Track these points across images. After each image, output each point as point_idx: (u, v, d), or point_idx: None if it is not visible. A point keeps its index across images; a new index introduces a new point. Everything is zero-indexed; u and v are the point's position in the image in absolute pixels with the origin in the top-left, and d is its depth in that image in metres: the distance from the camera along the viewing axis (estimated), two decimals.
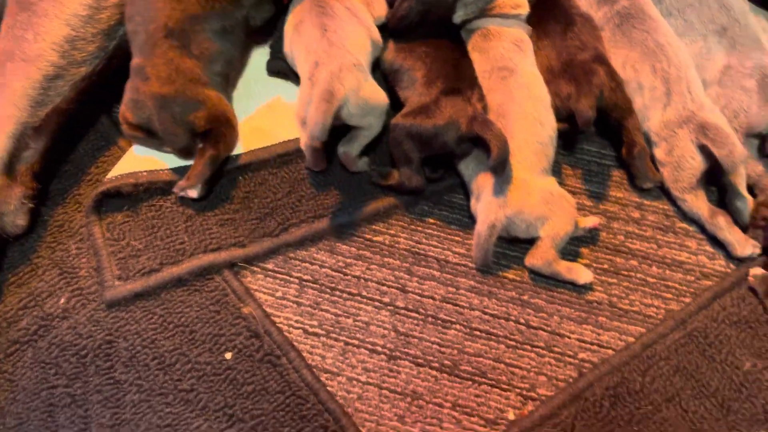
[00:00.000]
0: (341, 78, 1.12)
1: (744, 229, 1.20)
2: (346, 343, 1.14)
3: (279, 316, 1.14)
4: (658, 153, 1.24)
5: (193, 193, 1.18)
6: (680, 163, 1.20)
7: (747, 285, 1.15)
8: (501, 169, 1.13)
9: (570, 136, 1.29)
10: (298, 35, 1.23)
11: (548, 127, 1.20)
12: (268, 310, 1.15)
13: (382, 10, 1.27)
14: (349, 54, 1.15)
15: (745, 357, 1.10)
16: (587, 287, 1.17)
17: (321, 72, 1.15)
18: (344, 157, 1.22)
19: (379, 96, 1.18)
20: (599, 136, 1.34)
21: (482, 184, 1.18)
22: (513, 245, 1.21)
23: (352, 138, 1.21)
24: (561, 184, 1.27)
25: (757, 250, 1.18)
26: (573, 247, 1.22)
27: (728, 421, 1.05)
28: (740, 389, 1.08)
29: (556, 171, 1.29)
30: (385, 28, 1.29)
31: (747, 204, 1.19)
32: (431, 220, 1.25)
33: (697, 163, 1.19)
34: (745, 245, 1.18)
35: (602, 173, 1.30)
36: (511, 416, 1.08)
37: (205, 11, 1.17)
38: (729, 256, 1.20)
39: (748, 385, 1.08)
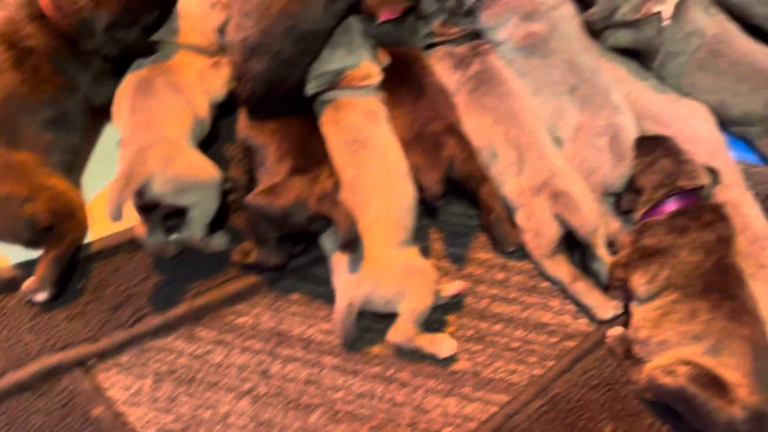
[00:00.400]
0: (144, 157, 1.10)
1: (605, 289, 1.22)
2: None
3: (132, 415, 1.10)
4: (519, 218, 1.24)
5: (41, 297, 1.13)
6: (539, 230, 1.20)
7: (607, 345, 1.17)
8: (350, 248, 1.12)
9: (430, 204, 1.29)
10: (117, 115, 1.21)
11: (405, 197, 1.19)
12: (121, 408, 1.10)
13: (219, 85, 1.25)
14: (153, 132, 1.12)
15: (604, 421, 1.11)
16: (452, 358, 1.16)
17: (124, 152, 1.13)
18: (190, 243, 1.19)
19: (197, 171, 1.15)
20: (464, 198, 1.34)
21: (339, 260, 1.16)
22: (379, 318, 1.19)
23: (186, 222, 1.17)
24: (426, 248, 1.27)
25: (619, 311, 1.18)
26: (438, 314, 1.20)
27: None
28: None
29: (421, 235, 1.28)
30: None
31: (604, 266, 1.20)
32: (295, 297, 1.22)
33: (554, 231, 1.19)
34: (606, 308, 1.18)
35: (468, 234, 1.30)
36: None
37: (31, 101, 1.12)
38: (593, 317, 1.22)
39: None
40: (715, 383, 1.01)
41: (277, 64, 1.17)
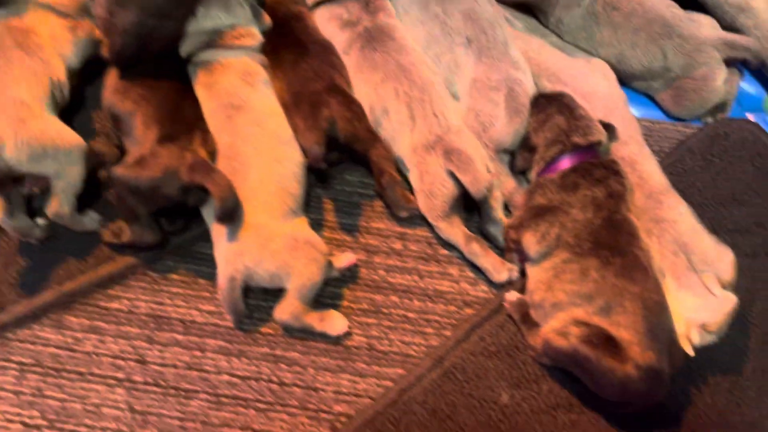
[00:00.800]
0: None
1: (501, 253, 1.17)
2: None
3: None
4: (412, 179, 1.18)
5: None
6: (432, 189, 1.14)
7: (505, 311, 1.12)
8: (229, 219, 1.04)
9: (320, 171, 1.22)
10: None
11: (289, 163, 1.11)
12: None
13: (73, 50, 1.15)
14: (1, 93, 1.03)
15: (502, 389, 1.06)
16: (345, 333, 1.09)
17: None
18: (58, 219, 1.09)
19: (56, 136, 1.05)
20: (359, 164, 1.27)
21: (218, 232, 1.08)
22: (269, 295, 1.12)
23: (51, 195, 1.07)
24: (320, 219, 1.21)
25: (515, 274, 1.14)
26: (330, 288, 1.14)
27: None
28: (497, 425, 1.04)
29: (315, 206, 1.22)
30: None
31: (501, 229, 1.16)
32: (176, 277, 1.14)
33: (448, 190, 1.14)
34: (502, 270, 1.14)
35: (363, 204, 1.23)
36: None
37: None
38: (491, 281, 1.17)
39: (505, 419, 1.04)
40: (607, 343, 0.97)
41: (147, 15, 1.07)
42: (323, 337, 1.09)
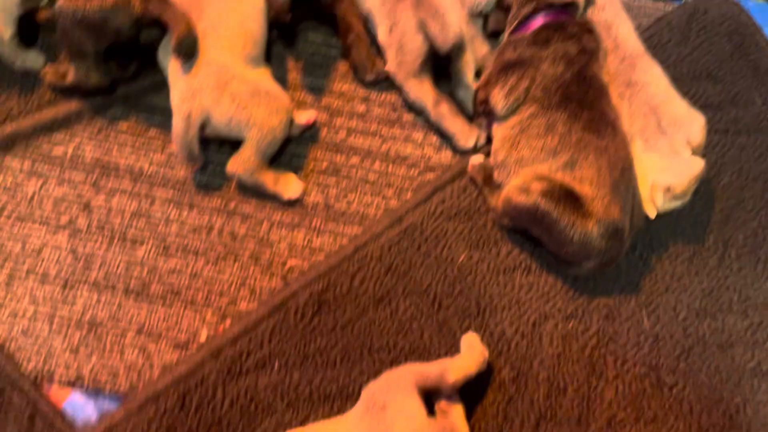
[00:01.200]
0: None
1: (470, 119, 1.13)
2: (12, 274, 0.97)
3: None
4: (380, 34, 1.11)
5: None
6: (402, 43, 1.08)
7: (468, 175, 1.09)
8: (185, 54, 0.97)
9: (284, 26, 1.15)
10: None
11: (250, 4, 1.05)
12: None
13: None
14: None
15: (461, 249, 1.04)
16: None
17: None
18: None
19: None
20: (324, 23, 1.20)
21: (175, 70, 1.02)
22: (221, 150, 1.07)
23: None
24: (282, 77, 1.14)
25: (482, 140, 1.10)
26: (290, 147, 1.09)
27: (438, 318, 0.99)
28: (454, 284, 1.02)
29: (277, 64, 1.15)
30: None
31: (470, 93, 1.11)
32: (125, 126, 1.08)
33: (418, 44, 1.08)
34: (469, 135, 1.10)
35: (327, 65, 1.17)
36: (203, 337, 0.97)
37: None
38: (456, 149, 1.13)
39: (462, 279, 1.02)
40: (569, 198, 0.94)
41: None
42: (276, 199, 1.06)
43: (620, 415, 0.95)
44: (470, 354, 0.91)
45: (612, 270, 1.03)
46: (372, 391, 0.83)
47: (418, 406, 0.82)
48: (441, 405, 0.88)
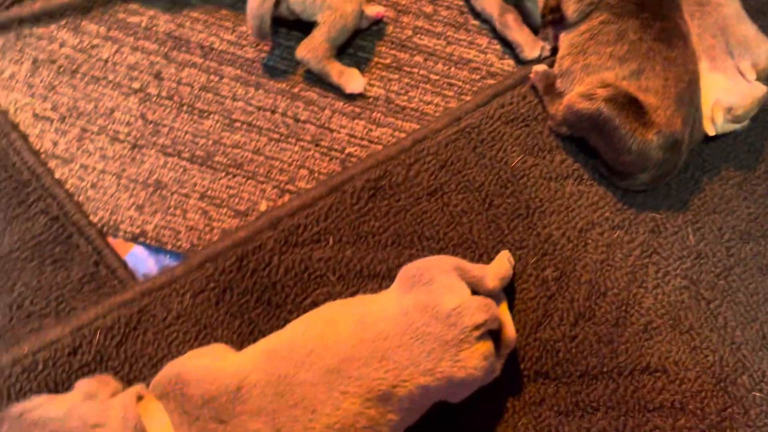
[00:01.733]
0: None
1: (536, 32, 1.13)
2: (84, 130, 1.01)
3: (5, 98, 1.00)
4: None
5: None
6: None
7: (529, 82, 1.10)
8: None
9: None
10: None
11: None
12: None
13: None
14: None
15: (515, 154, 1.06)
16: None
17: None
18: None
19: None
20: None
21: None
22: (291, 35, 1.09)
23: None
24: None
25: (546, 52, 1.11)
26: (356, 41, 1.11)
27: (488, 215, 1.02)
28: (506, 185, 1.04)
29: None
30: None
31: (537, 4, 1.11)
32: (198, 3, 1.10)
33: None
34: (533, 47, 1.10)
35: None
36: (263, 207, 1.01)
37: None
38: (519, 59, 1.14)
39: (514, 181, 1.04)
40: (632, 106, 0.96)
41: None
42: (338, 91, 1.08)
43: (656, 322, 0.98)
44: (501, 266, 0.94)
45: (662, 186, 1.05)
46: (414, 269, 0.85)
47: (463, 284, 0.85)
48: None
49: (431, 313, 0.80)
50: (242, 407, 0.74)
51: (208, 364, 0.78)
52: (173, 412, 0.73)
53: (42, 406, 0.74)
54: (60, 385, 0.85)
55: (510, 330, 0.88)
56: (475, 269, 0.90)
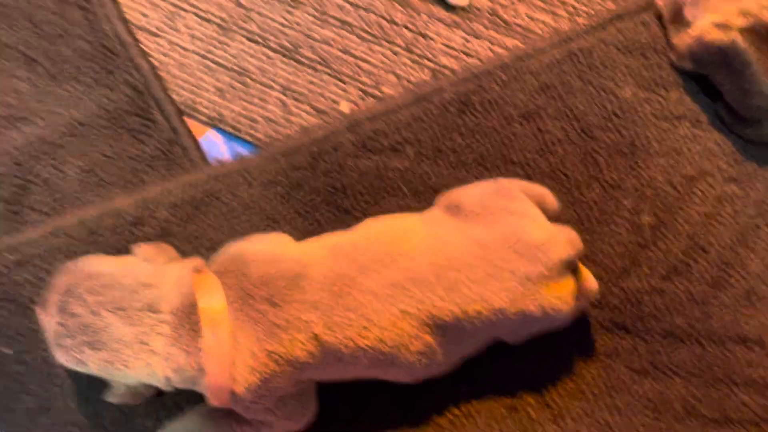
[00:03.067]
0: None
1: None
2: (176, 6, 0.98)
3: None
4: None
5: None
6: None
7: (655, 9, 0.98)
8: None
9: None
10: None
11: None
12: None
13: None
14: None
15: (627, 86, 0.96)
16: None
17: None
18: None
19: None
20: None
21: None
22: None
23: None
24: None
25: None
26: None
27: (586, 147, 0.92)
28: (611, 118, 0.94)
29: None
30: None
31: None
32: None
33: None
34: None
35: None
36: (344, 108, 0.96)
37: None
38: None
39: (621, 114, 0.94)
40: None
41: None
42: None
43: (761, 291, 0.87)
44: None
45: None
46: (478, 195, 0.78)
47: (541, 213, 0.77)
48: None
49: (512, 246, 0.73)
50: (298, 296, 0.70)
51: (271, 249, 0.74)
52: (229, 289, 0.71)
53: (98, 262, 0.73)
54: (120, 253, 0.84)
55: (589, 278, 0.80)
56: (536, 187, 0.81)
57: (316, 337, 0.70)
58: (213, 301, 0.70)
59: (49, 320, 0.71)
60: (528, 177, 0.91)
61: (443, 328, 0.72)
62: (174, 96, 0.94)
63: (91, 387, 0.82)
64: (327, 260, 0.73)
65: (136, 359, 0.69)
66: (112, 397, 0.77)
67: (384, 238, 0.75)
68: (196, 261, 0.75)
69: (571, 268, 0.76)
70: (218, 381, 0.69)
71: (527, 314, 0.73)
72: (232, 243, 0.78)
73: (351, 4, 0.99)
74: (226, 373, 0.69)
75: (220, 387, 0.70)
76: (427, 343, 0.72)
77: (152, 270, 0.72)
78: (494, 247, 0.73)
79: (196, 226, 0.88)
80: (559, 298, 0.74)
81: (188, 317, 0.69)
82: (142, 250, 0.77)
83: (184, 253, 0.86)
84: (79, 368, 0.71)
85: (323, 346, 0.71)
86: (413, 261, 0.73)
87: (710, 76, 0.91)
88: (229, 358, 0.69)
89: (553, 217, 0.80)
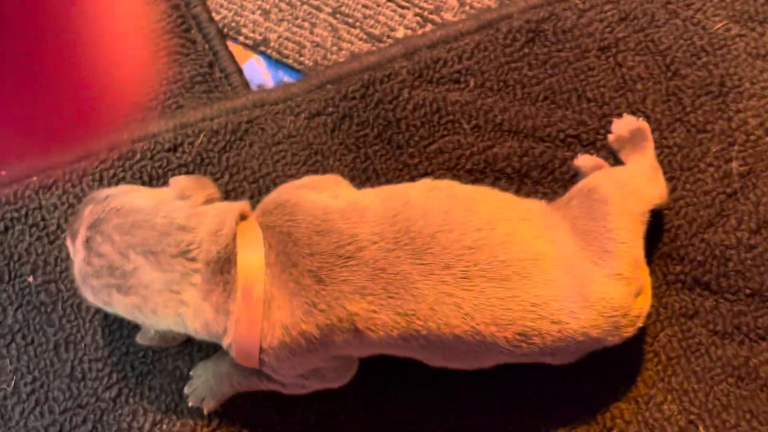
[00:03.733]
0: None
1: None
2: None
3: None
4: None
5: None
6: None
7: None
8: None
9: None
10: None
11: None
12: None
13: None
14: None
15: (718, 19, 0.85)
16: None
17: None
18: None
19: None
20: None
21: None
22: None
23: None
24: None
25: None
26: None
27: (670, 86, 0.83)
28: (699, 54, 0.83)
29: None
30: None
31: None
32: None
33: None
34: None
35: None
36: (400, 34, 0.87)
37: None
38: None
39: (710, 50, 0.84)
40: None
41: None
42: None
43: None
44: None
45: None
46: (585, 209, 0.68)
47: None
48: None
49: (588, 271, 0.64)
50: (346, 275, 0.61)
51: (327, 204, 0.65)
52: (272, 248, 0.62)
53: (129, 194, 0.66)
54: (155, 180, 0.78)
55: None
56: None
57: (357, 330, 0.62)
58: (252, 258, 0.62)
59: (75, 254, 0.65)
60: (603, 115, 0.81)
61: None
62: (216, 16, 0.86)
63: (121, 324, 0.76)
64: (385, 242, 0.63)
65: (165, 307, 0.61)
66: (141, 339, 0.71)
67: (453, 215, 0.64)
68: (243, 205, 0.66)
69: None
70: (245, 347, 0.62)
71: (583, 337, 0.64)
72: (287, 187, 0.69)
73: None
74: (255, 342, 0.61)
75: (246, 354, 0.62)
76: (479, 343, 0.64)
77: (189, 211, 0.63)
78: (573, 268, 0.64)
79: (237, 156, 0.81)
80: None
81: (222, 271, 0.61)
82: (180, 182, 0.69)
83: (222, 186, 0.79)
84: (107, 309, 0.65)
85: (363, 338, 0.62)
86: (480, 251, 0.63)
87: None
88: (258, 327, 0.61)
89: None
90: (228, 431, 0.74)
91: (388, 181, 0.79)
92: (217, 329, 0.62)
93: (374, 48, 0.85)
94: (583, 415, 0.75)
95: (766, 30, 0.84)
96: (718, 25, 0.84)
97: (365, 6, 0.86)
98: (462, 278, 0.62)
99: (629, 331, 0.65)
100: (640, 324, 0.66)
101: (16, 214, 0.80)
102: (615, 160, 0.79)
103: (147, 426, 0.74)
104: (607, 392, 0.75)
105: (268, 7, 0.86)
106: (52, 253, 0.78)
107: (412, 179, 0.80)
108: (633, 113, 0.81)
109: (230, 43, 0.85)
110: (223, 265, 0.61)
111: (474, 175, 0.81)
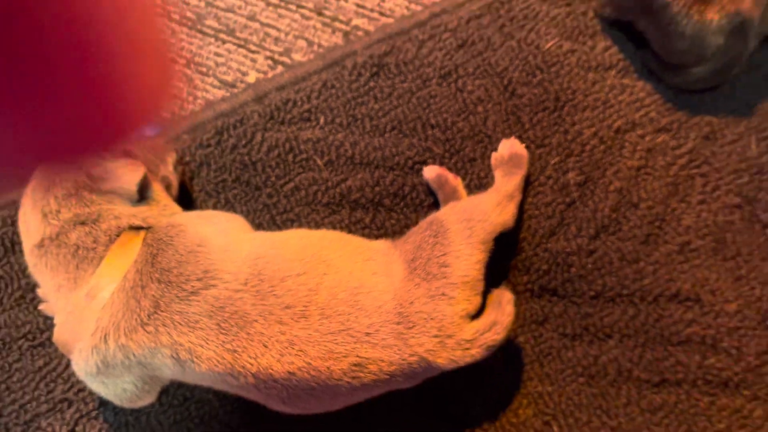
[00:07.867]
0: None
1: None
2: None
3: None
4: None
5: None
6: None
7: None
8: None
9: None
10: None
11: None
12: None
13: None
14: None
15: (550, 37, 0.90)
16: None
17: None
18: None
19: None
20: None
21: None
22: None
23: None
24: None
25: None
26: None
27: (508, 105, 0.88)
28: (534, 72, 0.89)
29: None
30: None
31: None
32: None
33: None
34: None
35: None
36: (251, 79, 0.90)
37: None
38: None
39: (544, 68, 0.89)
40: None
41: None
42: None
43: (695, 244, 0.82)
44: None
45: (724, 87, 0.87)
46: (423, 248, 0.72)
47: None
48: None
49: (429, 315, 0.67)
50: (184, 308, 0.64)
51: (207, 238, 0.68)
52: (136, 264, 0.66)
53: None
54: None
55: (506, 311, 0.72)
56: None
57: (179, 359, 0.64)
58: (112, 267, 0.67)
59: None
60: (447, 140, 0.86)
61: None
62: None
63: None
64: (238, 278, 0.66)
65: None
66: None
67: (310, 276, 0.68)
68: (140, 218, 0.70)
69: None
70: (59, 342, 0.68)
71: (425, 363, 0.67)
72: (190, 213, 0.73)
73: None
74: (72, 341, 0.67)
75: (63, 344, 0.68)
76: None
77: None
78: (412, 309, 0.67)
79: None
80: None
81: (79, 267, 0.67)
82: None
83: None
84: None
85: (186, 368, 0.65)
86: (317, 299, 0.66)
87: (634, 23, 0.86)
88: (85, 326, 0.66)
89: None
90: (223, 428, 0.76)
91: (251, 223, 0.82)
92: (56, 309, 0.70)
93: (227, 94, 0.88)
94: (438, 425, 0.79)
95: (597, 43, 0.89)
96: (551, 43, 0.89)
97: (217, 54, 0.90)
98: (301, 317, 0.65)
99: (462, 356, 0.66)
100: (476, 351, 0.67)
101: None
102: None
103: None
104: (461, 403, 0.79)
105: None
106: None
107: (272, 218, 0.84)
108: (474, 136, 0.86)
109: None
110: (81, 262, 0.67)
111: (331, 208, 0.85)
